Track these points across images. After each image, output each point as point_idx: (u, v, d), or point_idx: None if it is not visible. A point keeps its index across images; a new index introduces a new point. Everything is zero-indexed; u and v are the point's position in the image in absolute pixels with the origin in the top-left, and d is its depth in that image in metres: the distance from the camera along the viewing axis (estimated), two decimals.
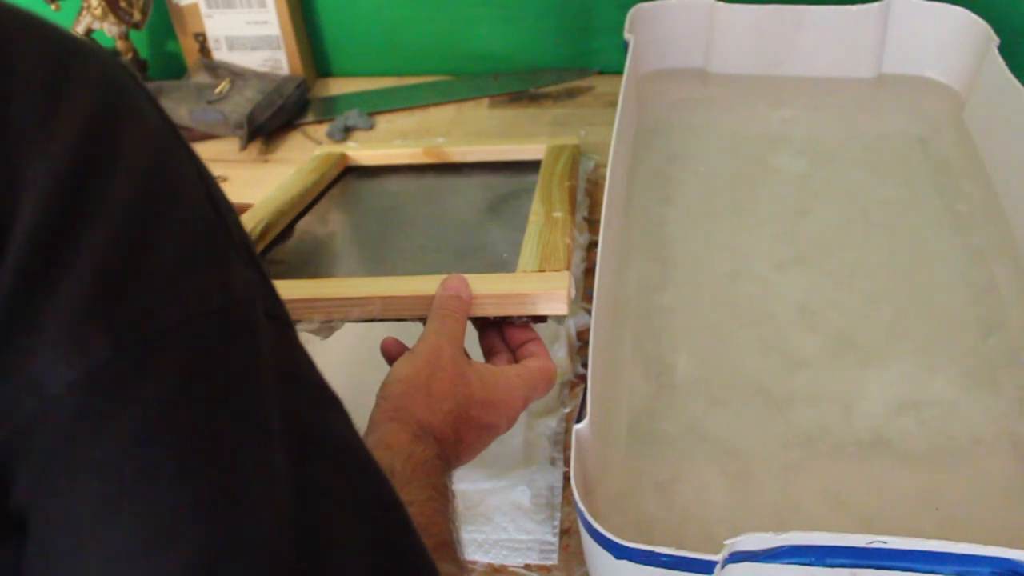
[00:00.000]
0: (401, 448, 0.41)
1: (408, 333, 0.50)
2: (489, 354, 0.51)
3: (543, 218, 0.59)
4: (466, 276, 0.51)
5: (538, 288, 0.50)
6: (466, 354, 0.48)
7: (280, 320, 0.26)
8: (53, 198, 0.20)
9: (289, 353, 0.26)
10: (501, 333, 0.52)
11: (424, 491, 0.39)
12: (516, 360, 0.50)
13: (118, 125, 0.22)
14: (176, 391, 0.21)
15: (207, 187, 0.25)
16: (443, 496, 0.40)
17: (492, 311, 0.51)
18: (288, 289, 0.52)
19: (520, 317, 0.51)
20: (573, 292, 0.52)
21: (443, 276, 0.51)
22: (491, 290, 0.51)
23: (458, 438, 0.44)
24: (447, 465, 0.42)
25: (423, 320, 0.50)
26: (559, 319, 0.53)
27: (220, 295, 0.23)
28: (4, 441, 0.20)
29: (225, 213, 0.25)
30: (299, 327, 0.51)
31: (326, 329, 0.51)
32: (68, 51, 0.23)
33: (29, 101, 0.21)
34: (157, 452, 0.21)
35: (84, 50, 0.23)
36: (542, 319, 0.51)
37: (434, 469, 0.41)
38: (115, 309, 0.21)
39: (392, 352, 0.49)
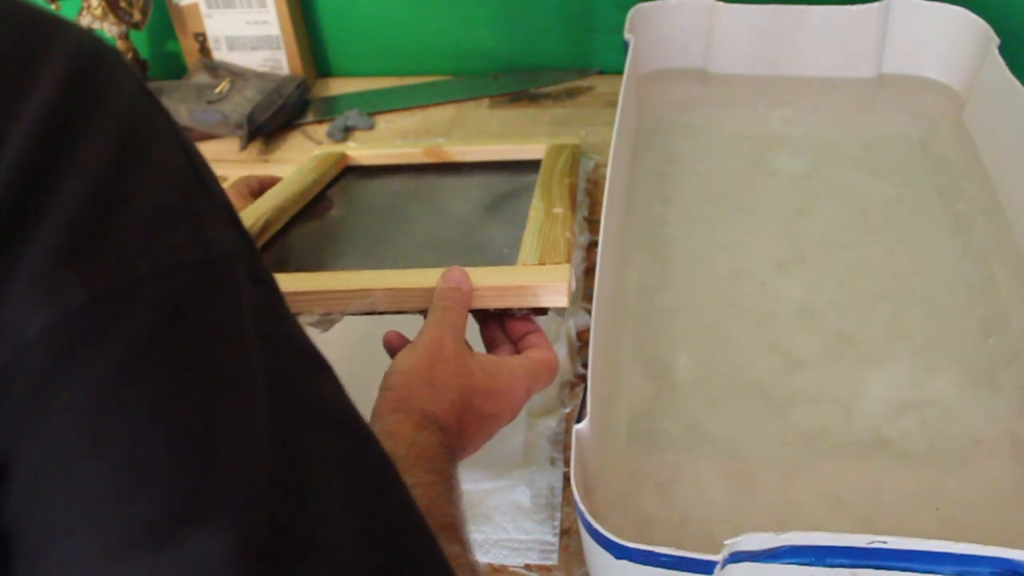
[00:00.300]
0: (404, 436, 0.41)
1: (411, 328, 0.50)
2: (491, 346, 0.51)
3: (543, 214, 0.59)
4: (467, 269, 0.51)
5: (538, 280, 0.50)
6: (468, 345, 0.48)
7: (265, 283, 0.26)
8: (28, 154, 0.21)
9: (274, 315, 0.25)
10: (502, 325, 0.52)
11: (427, 475, 0.39)
12: (518, 352, 0.50)
13: (92, 87, 0.23)
14: (151, 338, 0.21)
15: (185, 150, 0.25)
16: (447, 481, 0.40)
17: (493, 303, 0.51)
18: (287, 282, 0.52)
19: (521, 309, 0.51)
20: (574, 284, 0.52)
21: (443, 269, 0.51)
22: (492, 282, 0.51)
23: (462, 428, 0.44)
24: (451, 454, 0.42)
25: (423, 312, 0.50)
26: (559, 312, 0.53)
27: (197, 249, 0.23)
28: None
29: (205, 176, 0.25)
30: (298, 320, 0.51)
31: (326, 322, 0.51)
32: (42, 23, 0.23)
33: (4, 66, 0.21)
34: (132, 397, 0.21)
35: (58, 22, 0.23)
36: (543, 311, 0.51)
37: (438, 456, 0.41)
38: (89, 257, 0.21)
39: (395, 345, 0.49)
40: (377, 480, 0.26)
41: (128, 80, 0.24)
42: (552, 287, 0.50)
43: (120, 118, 0.23)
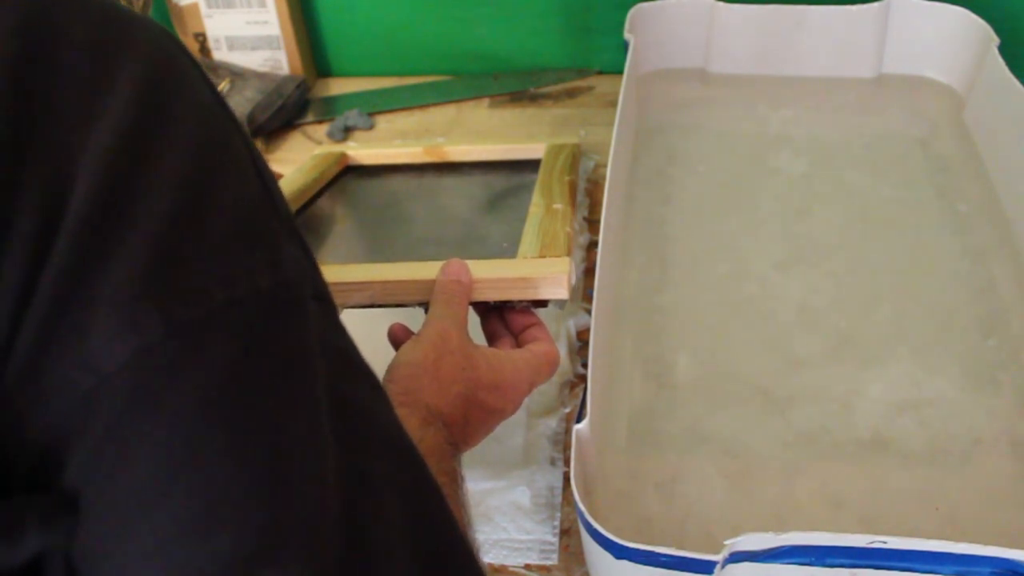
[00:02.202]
0: (411, 433, 0.41)
1: (411, 320, 0.49)
2: (492, 339, 0.51)
3: (543, 209, 0.59)
4: (467, 262, 0.51)
5: (539, 272, 0.50)
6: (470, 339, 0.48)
7: (325, 301, 0.25)
8: (106, 173, 0.20)
9: (334, 334, 0.25)
10: (503, 318, 0.52)
11: (438, 476, 0.39)
12: (519, 345, 0.50)
13: (168, 97, 0.22)
14: (227, 370, 0.21)
15: (255, 161, 0.24)
16: (454, 482, 0.40)
17: (493, 296, 0.51)
18: None
19: (521, 302, 0.51)
20: (574, 277, 0.51)
21: (442, 261, 0.51)
22: (492, 275, 0.51)
23: (466, 422, 0.44)
24: (456, 450, 0.42)
25: (423, 305, 0.50)
26: (560, 305, 0.53)
27: (270, 274, 0.23)
28: (59, 419, 0.20)
29: (272, 187, 0.25)
30: None
31: None
32: (117, 21, 0.22)
33: (80, 72, 0.21)
34: (209, 431, 0.20)
35: (133, 20, 0.23)
36: (543, 304, 0.51)
37: (444, 455, 0.41)
38: (168, 287, 0.20)
39: (399, 337, 0.49)
40: (428, 504, 0.26)
41: (201, 85, 0.24)
42: (552, 279, 0.50)
43: (196, 129, 0.22)
